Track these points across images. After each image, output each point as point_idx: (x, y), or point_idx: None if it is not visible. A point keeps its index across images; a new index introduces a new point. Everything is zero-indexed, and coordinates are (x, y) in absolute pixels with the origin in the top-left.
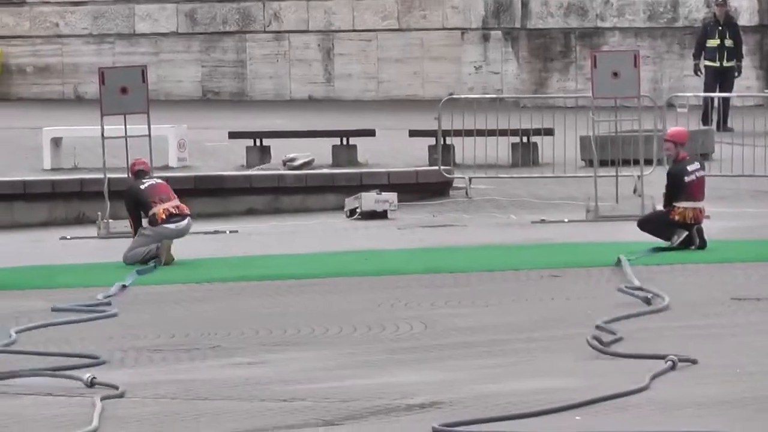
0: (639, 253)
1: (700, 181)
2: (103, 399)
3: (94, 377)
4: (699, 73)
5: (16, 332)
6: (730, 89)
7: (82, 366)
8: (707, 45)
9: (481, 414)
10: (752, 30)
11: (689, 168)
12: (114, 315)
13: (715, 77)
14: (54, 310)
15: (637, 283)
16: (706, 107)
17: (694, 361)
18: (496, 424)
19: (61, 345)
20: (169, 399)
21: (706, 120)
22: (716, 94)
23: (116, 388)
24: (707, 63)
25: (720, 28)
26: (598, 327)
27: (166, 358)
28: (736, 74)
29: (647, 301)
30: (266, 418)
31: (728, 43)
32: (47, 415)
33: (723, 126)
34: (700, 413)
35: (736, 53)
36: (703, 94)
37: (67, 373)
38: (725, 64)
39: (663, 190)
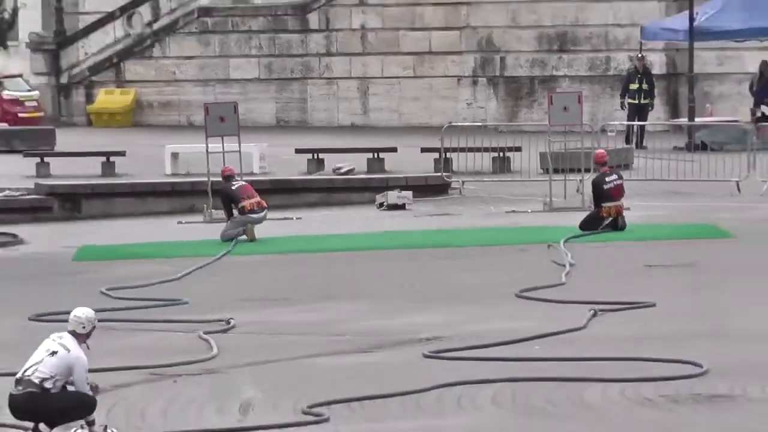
0: (579, 234)
1: (618, 187)
2: (206, 333)
3: (231, 318)
4: (624, 107)
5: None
6: (645, 119)
7: (170, 305)
8: (630, 88)
9: (468, 344)
10: (663, 77)
11: (607, 179)
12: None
13: (635, 111)
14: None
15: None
16: (628, 132)
17: (653, 305)
18: (476, 351)
19: (174, 294)
20: (255, 334)
21: (628, 141)
22: (636, 123)
23: (230, 323)
24: (630, 101)
25: (639, 75)
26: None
27: (253, 306)
28: (650, 109)
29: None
30: (322, 347)
31: (645, 86)
32: (167, 345)
33: (640, 145)
34: (622, 345)
35: (650, 94)
36: (626, 122)
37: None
38: (642, 101)
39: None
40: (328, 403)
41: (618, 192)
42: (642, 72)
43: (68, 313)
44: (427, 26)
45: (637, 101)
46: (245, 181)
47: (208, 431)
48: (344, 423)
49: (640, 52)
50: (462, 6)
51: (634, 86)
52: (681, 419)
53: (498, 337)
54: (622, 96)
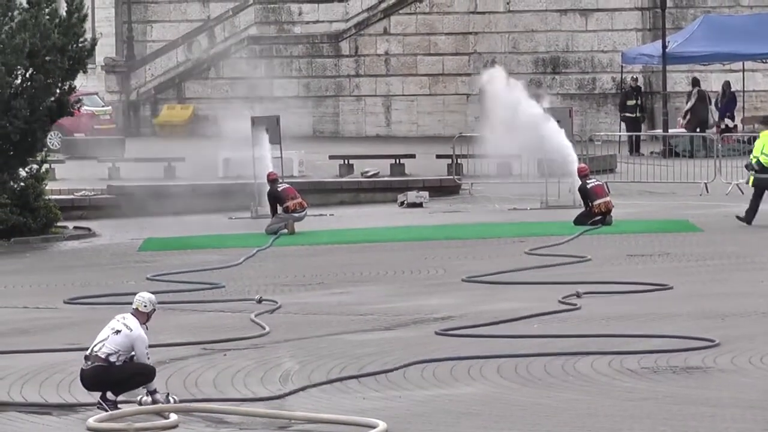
0: (576, 230)
1: (599, 187)
2: (256, 315)
3: (261, 297)
4: (623, 121)
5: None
6: (639, 130)
7: (210, 288)
8: (627, 104)
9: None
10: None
11: (588, 182)
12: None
13: (632, 123)
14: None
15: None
16: (631, 142)
17: (670, 288)
18: (480, 328)
19: (225, 279)
20: (292, 314)
21: (632, 150)
22: (625, 133)
23: (277, 303)
24: (628, 115)
25: (635, 92)
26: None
27: (291, 290)
28: (643, 121)
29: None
30: (350, 325)
31: (639, 102)
32: (222, 323)
33: (638, 152)
34: (608, 323)
35: (642, 109)
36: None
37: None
38: (637, 115)
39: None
40: (357, 377)
41: (601, 189)
42: (636, 90)
43: (101, 296)
44: (441, 52)
45: (634, 115)
46: (287, 183)
47: (252, 399)
48: (371, 391)
49: (622, 74)
50: (470, 35)
51: (631, 103)
52: (658, 387)
53: (501, 316)
54: (621, 110)
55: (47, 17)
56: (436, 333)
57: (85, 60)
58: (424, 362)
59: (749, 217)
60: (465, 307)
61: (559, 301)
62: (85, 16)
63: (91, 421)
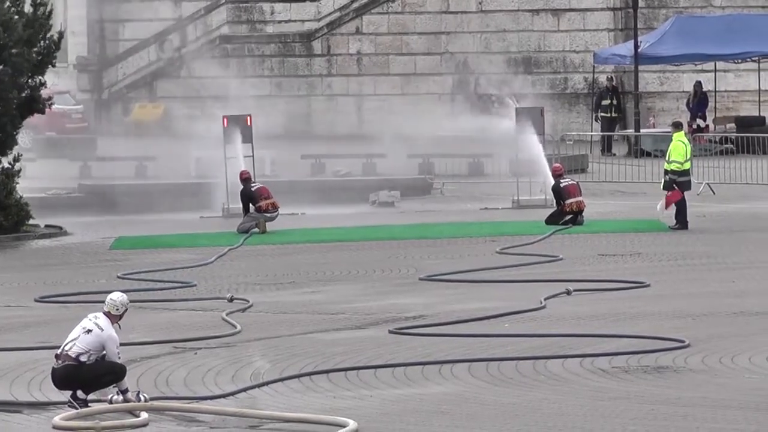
0: (548, 229)
1: (573, 186)
2: (228, 314)
3: (233, 295)
4: (597, 121)
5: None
6: (614, 130)
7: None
8: (602, 103)
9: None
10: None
11: (562, 182)
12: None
13: (607, 123)
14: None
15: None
16: (603, 141)
17: (648, 285)
18: (446, 327)
19: (197, 277)
20: (263, 312)
21: (604, 150)
22: (600, 133)
23: (248, 301)
24: (602, 114)
25: (610, 93)
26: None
27: (262, 289)
28: (619, 122)
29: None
30: (321, 324)
31: (614, 102)
32: (193, 322)
33: (608, 151)
34: (578, 322)
35: (618, 109)
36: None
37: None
38: (612, 115)
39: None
40: (328, 372)
41: (574, 189)
42: (612, 90)
43: (72, 295)
44: (413, 52)
45: (609, 115)
46: (260, 182)
47: (222, 395)
48: (342, 390)
49: (593, 74)
50: (442, 35)
51: (606, 102)
52: (629, 386)
53: (473, 314)
54: (596, 110)
55: (12, 9)
56: (390, 332)
57: (54, 54)
58: (375, 367)
59: (683, 220)
60: (437, 306)
61: (545, 299)
62: (51, 11)
63: (57, 420)
